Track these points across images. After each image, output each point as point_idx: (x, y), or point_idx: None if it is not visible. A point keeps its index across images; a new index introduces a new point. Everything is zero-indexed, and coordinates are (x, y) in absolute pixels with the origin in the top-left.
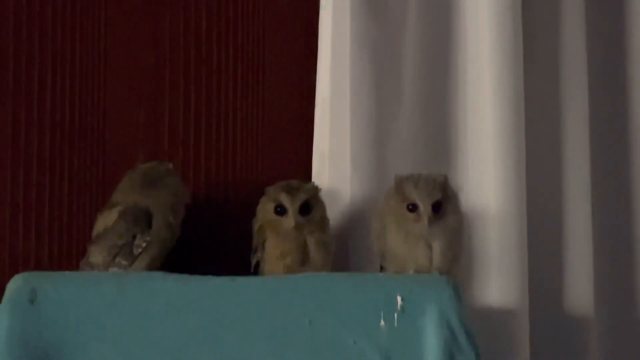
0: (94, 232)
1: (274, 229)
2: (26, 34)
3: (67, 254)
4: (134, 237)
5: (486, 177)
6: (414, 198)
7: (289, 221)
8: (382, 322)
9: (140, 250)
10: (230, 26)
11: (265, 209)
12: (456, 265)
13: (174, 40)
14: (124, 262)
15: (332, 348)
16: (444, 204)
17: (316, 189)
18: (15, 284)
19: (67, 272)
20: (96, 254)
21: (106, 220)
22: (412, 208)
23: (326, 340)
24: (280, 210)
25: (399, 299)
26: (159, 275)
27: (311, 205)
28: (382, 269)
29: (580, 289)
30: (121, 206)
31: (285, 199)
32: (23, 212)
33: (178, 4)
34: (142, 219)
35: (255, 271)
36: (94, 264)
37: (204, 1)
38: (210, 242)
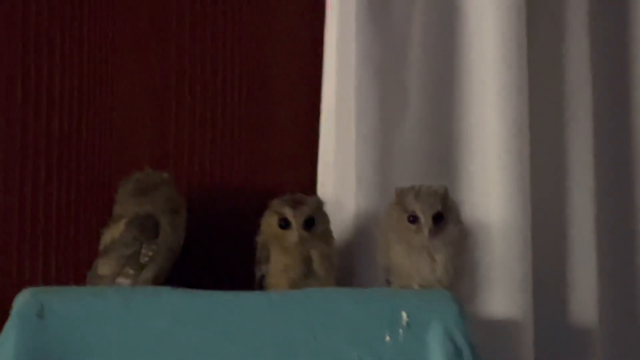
0: (101, 245)
1: (278, 242)
2: (34, 47)
3: (74, 267)
4: (142, 246)
5: (490, 189)
6: (414, 209)
7: (293, 235)
8: (387, 338)
9: (147, 259)
10: (236, 40)
11: (269, 223)
12: (461, 277)
13: (180, 54)
14: (131, 271)
15: None
16: (444, 215)
17: (320, 203)
18: (23, 298)
19: (74, 287)
20: (104, 266)
21: (113, 232)
22: (413, 219)
23: (331, 356)
24: (284, 225)
25: (404, 314)
26: (164, 290)
27: (315, 220)
28: (387, 283)
29: (584, 300)
30: (126, 217)
31: (289, 213)
32: (30, 225)
33: (185, 19)
34: (149, 227)
35: (260, 284)
36: (102, 276)
37: (210, 16)
38: (214, 253)
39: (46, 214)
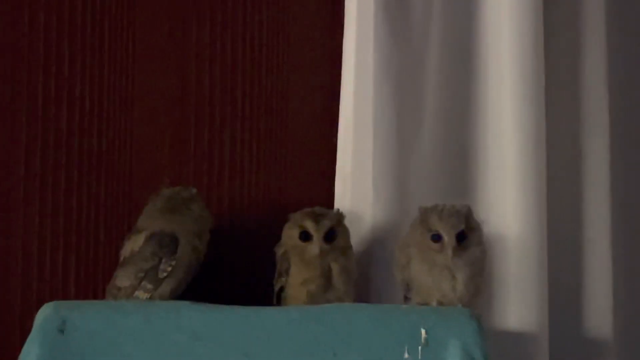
0: (121, 257)
1: (298, 255)
2: (55, 60)
3: (94, 280)
4: (160, 261)
5: (507, 203)
6: (438, 229)
7: (314, 248)
8: (406, 355)
9: (165, 274)
10: (255, 53)
11: (289, 235)
12: (479, 295)
13: (199, 67)
14: (150, 286)
15: None
16: (468, 234)
17: (341, 216)
18: (44, 312)
19: (94, 302)
20: (123, 278)
21: (133, 244)
22: (436, 239)
23: None
24: (305, 237)
25: (423, 332)
26: (184, 305)
27: (336, 232)
28: (406, 299)
29: (599, 313)
30: (147, 231)
31: (310, 226)
32: (50, 238)
33: (204, 33)
34: (168, 244)
35: (279, 296)
36: (120, 287)
37: (229, 29)
38: (234, 266)
39: (66, 227)
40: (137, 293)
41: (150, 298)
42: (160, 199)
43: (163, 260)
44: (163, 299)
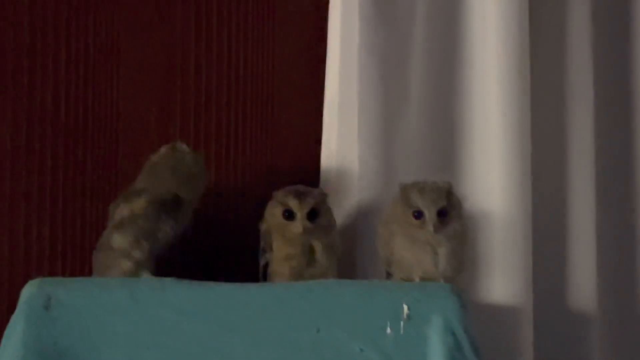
0: (116, 217)
1: (281, 232)
2: (41, 36)
3: (80, 256)
4: (161, 223)
5: (492, 178)
6: (419, 205)
7: (297, 226)
8: (389, 330)
9: (166, 236)
10: (241, 29)
11: (273, 213)
12: (462, 271)
13: (185, 41)
14: (147, 246)
15: (339, 355)
16: (449, 210)
17: (324, 195)
18: (29, 290)
19: (80, 278)
20: (120, 239)
21: (134, 206)
22: (418, 215)
23: (333, 348)
24: (289, 215)
25: (405, 307)
26: (170, 281)
27: (319, 211)
28: (388, 275)
29: (583, 288)
30: (149, 193)
31: (293, 204)
32: (37, 214)
33: (189, 8)
34: (173, 207)
35: (265, 272)
36: (116, 248)
37: (215, 5)
38: (219, 242)
39: (53, 202)
40: (133, 252)
41: (144, 258)
42: (162, 159)
43: (166, 223)
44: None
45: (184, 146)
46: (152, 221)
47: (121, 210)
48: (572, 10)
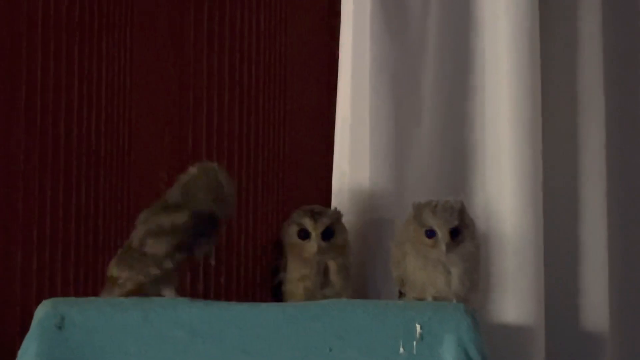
0: (153, 225)
1: (296, 252)
2: (53, 59)
3: (93, 276)
4: (198, 238)
5: (504, 198)
6: (431, 224)
7: (312, 246)
8: (401, 350)
9: (201, 253)
10: (253, 50)
11: (288, 233)
12: (474, 290)
13: (197, 64)
14: (180, 258)
15: None
16: (461, 230)
17: (339, 214)
18: (43, 310)
19: (93, 298)
20: (155, 245)
21: (175, 218)
22: (430, 234)
23: None
24: (304, 235)
25: (418, 327)
26: (182, 301)
27: (334, 231)
28: (401, 294)
29: (595, 308)
30: (191, 208)
31: (308, 224)
32: (50, 235)
33: (202, 30)
34: (213, 224)
35: (277, 291)
36: (151, 254)
37: (227, 27)
38: (234, 262)
39: (65, 223)
40: (165, 261)
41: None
42: (195, 179)
43: (204, 239)
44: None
45: (217, 166)
46: (192, 235)
47: (160, 219)
48: (583, 17)
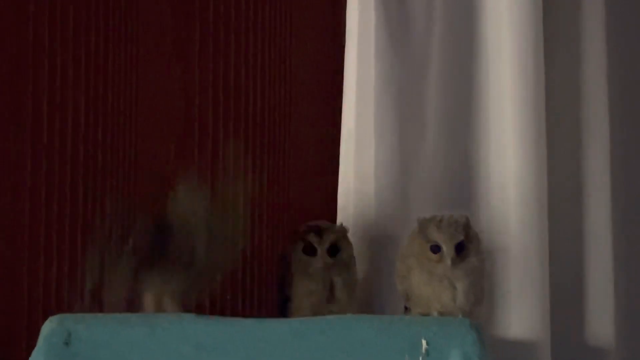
0: None
1: (302, 268)
2: (60, 73)
3: (100, 292)
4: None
5: (509, 212)
6: (436, 239)
7: (318, 262)
8: None
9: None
10: (258, 64)
11: (294, 249)
12: (479, 305)
13: (202, 78)
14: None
15: None
16: (466, 245)
17: (344, 230)
18: (50, 325)
19: (100, 314)
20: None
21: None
22: (435, 249)
23: None
24: (310, 251)
25: (423, 342)
26: (188, 316)
27: (339, 246)
28: (406, 309)
29: (601, 322)
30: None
31: (314, 240)
32: (57, 250)
33: (207, 45)
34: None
35: (283, 307)
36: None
37: (232, 42)
38: (239, 277)
39: (72, 238)
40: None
41: None
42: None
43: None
44: None
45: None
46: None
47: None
48: (586, 30)
